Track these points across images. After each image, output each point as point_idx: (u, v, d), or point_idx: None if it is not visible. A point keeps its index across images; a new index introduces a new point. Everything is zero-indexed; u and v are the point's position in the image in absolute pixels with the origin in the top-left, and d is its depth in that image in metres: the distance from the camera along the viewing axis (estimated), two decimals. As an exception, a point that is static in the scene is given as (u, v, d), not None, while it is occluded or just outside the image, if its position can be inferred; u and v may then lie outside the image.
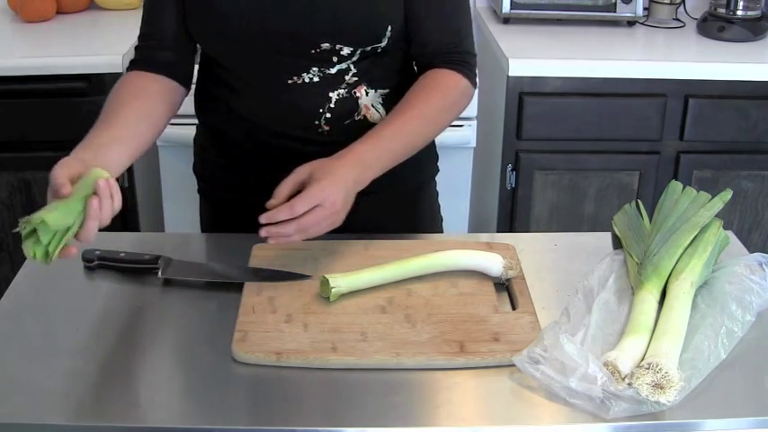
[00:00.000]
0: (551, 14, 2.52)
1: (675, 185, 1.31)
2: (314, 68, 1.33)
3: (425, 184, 1.54)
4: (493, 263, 1.22)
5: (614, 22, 2.57)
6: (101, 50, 2.27)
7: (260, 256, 1.27)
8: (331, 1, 1.30)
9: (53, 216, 1.03)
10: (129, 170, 2.32)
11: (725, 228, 1.26)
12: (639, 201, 1.36)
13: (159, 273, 1.22)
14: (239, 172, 1.44)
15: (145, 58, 1.39)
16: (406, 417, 0.98)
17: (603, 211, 2.41)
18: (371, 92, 1.37)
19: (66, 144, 2.25)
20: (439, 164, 1.57)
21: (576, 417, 0.97)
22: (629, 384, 0.98)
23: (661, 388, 0.97)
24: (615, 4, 2.51)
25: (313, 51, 1.31)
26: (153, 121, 1.32)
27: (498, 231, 2.44)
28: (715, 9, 2.53)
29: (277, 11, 1.29)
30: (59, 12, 2.55)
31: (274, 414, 0.99)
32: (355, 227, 1.29)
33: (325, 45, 1.31)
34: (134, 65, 1.39)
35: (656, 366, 0.97)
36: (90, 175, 1.09)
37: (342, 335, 1.09)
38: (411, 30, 1.36)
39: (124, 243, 1.35)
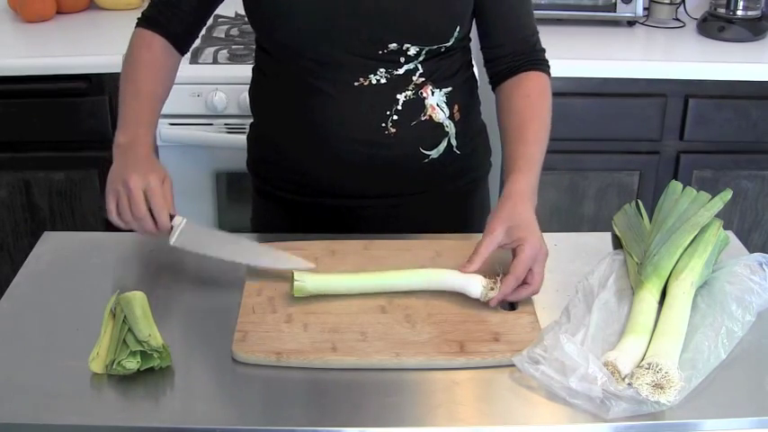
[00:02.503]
0: (551, 14, 2.52)
1: (675, 185, 1.31)
2: (381, 69, 1.32)
3: (478, 182, 1.52)
4: (472, 284, 1.16)
5: (614, 22, 2.57)
6: (101, 50, 2.26)
7: (260, 256, 1.27)
8: (400, 0, 1.29)
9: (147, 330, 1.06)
10: (129, 170, 2.32)
11: (725, 228, 1.26)
12: (639, 201, 1.36)
13: (173, 239, 1.22)
14: (296, 172, 1.42)
15: (162, 23, 1.41)
16: (406, 417, 0.98)
17: (603, 211, 2.41)
18: (437, 91, 1.36)
19: (66, 144, 2.28)
20: None
21: (576, 417, 0.97)
22: (629, 384, 0.98)
23: (661, 388, 0.97)
24: (615, 4, 2.51)
25: (380, 52, 1.30)
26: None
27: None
28: (715, 9, 2.53)
29: (345, 9, 1.28)
30: (59, 12, 2.55)
31: (274, 414, 0.98)
32: (402, 227, 1.28)
33: (393, 45, 1.30)
34: (149, 24, 1.41)
35: (656, 366, 0.97)
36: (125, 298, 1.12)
37: (342, 335, 1.09)
38: (485, 30, 1.38)
39: (124, 243, 1.35)
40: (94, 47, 2.32)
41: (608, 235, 1.36)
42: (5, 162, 2.29)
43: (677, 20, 2.60)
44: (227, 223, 2.36)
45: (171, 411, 1.00)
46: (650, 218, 1.30)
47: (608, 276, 1.20)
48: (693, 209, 1.25)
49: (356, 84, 1.32)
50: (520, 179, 1.25)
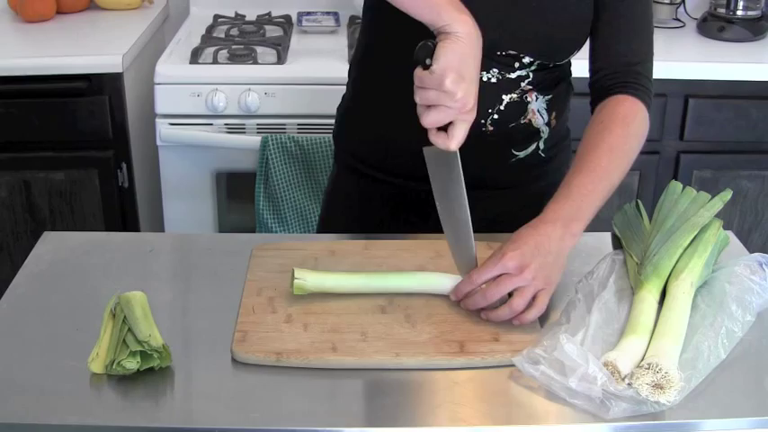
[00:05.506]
0: (551, 14, 2.51)
1: (675, 185, 1.31)
2: (494, 69, 1.34)
3: (555, 186, 1.50)
4: None
5: (614, 22, 2.57)
6: (101, 50, 2.27)
7: (260, 256, 1.27)
8: (533, 17, 1.30)
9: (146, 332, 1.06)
10: (129, 170, 2.33)
11: (725, 228, 1.26)
12: (639, 201, 1.36)
13: None
14: (388, 152, 1.43)
15: None
16: (406, 417, 0.98)
17: (603, 211, 2.39)
18: (540, 97, 1.38)
19: (66, 144, 2.28)
20: None
21: (576, 417, 0.97)
22: (629, 384, 0.98)
23: (661, 388, 0.97)
24: (615, 4, 2.51)
25: (498, 53, 1.32)
26: None
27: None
28: (715, 9, 2.53)
29: (482, 8, 1.26)
30: (59, 12, 2.55)
31: (274, 414, 0.98)
32: (474, 222, 1.28)
33: (512, 51, 1.32)
34: None
35: (656, 366, 0.97)
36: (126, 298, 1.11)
37: (342, 335, 1.09)
38: (590, 51, 1.37)
39: (124, 243, 1.35)
40: (94, 47, 2.32)
41: (608, 235, 1.36)
42: (5, 162, 2.29)
43: (677, 20, 2.60)
44: (227, 223, 2.36)
45: (171, 411, 1.00)
46: (650, 218, 1.30)
47: (608, 276, 1.20)
48: (693, 209, 1.25)
49: None
50: (551, 208, 1.24)
